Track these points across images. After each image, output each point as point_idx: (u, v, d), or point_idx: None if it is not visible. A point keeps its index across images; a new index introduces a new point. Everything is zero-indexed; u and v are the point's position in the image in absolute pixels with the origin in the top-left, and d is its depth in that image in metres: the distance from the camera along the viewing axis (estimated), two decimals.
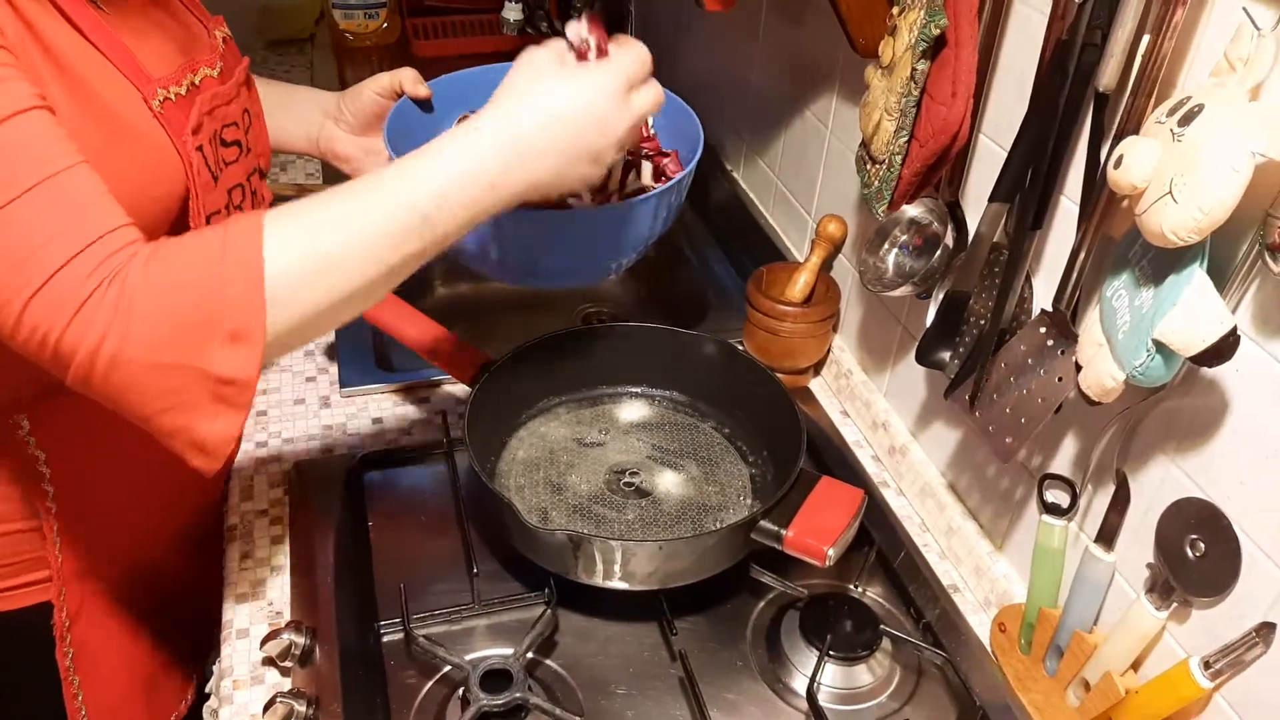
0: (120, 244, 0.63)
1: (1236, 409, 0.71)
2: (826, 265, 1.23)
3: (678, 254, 1.53)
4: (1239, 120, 0.63)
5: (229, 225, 0.65)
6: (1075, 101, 0.77)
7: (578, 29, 0.75)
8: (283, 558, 0.97)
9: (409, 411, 1.15)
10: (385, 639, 0.90)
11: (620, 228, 0.86)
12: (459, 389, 1.17)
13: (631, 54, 0.74)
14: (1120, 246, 0.75)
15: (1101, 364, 0.73)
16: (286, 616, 0.91)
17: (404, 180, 0.68)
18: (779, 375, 1.19)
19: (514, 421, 1.08)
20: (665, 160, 0.96)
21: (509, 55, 2.01)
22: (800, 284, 1.20)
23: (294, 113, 1.01)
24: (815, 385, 1.26)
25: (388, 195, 0.67)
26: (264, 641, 0.86)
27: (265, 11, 2.09)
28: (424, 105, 0.98)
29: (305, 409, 1.15)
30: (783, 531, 0.87)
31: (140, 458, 0.86)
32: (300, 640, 0.85)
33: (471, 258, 0.86)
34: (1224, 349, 0.65)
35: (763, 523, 0.88)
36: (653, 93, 0.75)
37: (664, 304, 1.51)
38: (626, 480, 1.03)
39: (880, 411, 1.15)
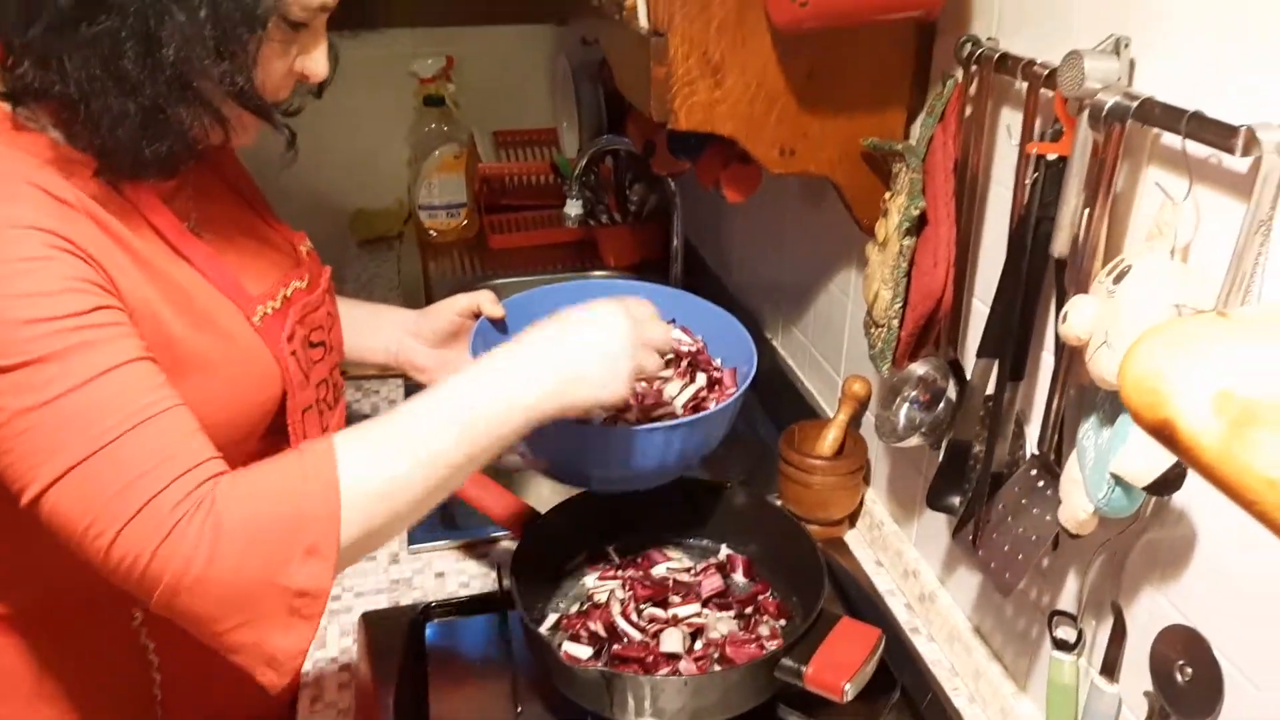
0: (208, 475, 0.71)
1: (1203, 537, 0.77)
2: (855, 421, 1.32)
3: None
4: (1159, 276, 0.72)
5: (304, 450, 0.75)
6: (1039, 266, 0.88)
7: None
8: (349, 700, 1.05)
9: (469, 566, 1.25)
10: None
11: (666, 445, 0.96)
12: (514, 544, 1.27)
13: (635, 299, 0.92)
14: (1089, 392, 0.83)
15: (1075, 499, 0.80)
16: None
17: (448, 402, 0.79)
18: (813, 527, 1.27)
19: (561, 569, 1.17)
20: (719, 375, 1.09)
21: (572, 245, 2.28)
22: (830, 439, 1.29)
23: (377, 331, 1.13)
24: (850, 537, 1.32)
25: (432, 420, 0.78)
26: None
27: (359, 215, 2.35)
28: (499, 324, 1.10)
29: (376, 565, 1.26)
30: (802, 668, 0.93)
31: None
32: None
33: (543, 469, 1.00)
34: (1172, 479, 0.72)
35: (784, 660, 0.94)
36: (661, 329, 0.91)
37: (707, 459, 1.60)
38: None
39: (910, 560, 1.20)
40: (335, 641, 1.13)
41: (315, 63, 0.83)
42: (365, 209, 2.36)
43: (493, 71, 2.35)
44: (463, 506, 1.23)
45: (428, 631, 1.16)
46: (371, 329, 1.13)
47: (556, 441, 0.95)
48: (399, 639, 1.13)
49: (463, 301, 1.10)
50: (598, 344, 0.84)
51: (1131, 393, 0.38)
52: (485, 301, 1.09)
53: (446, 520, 1.34)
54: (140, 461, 0.69)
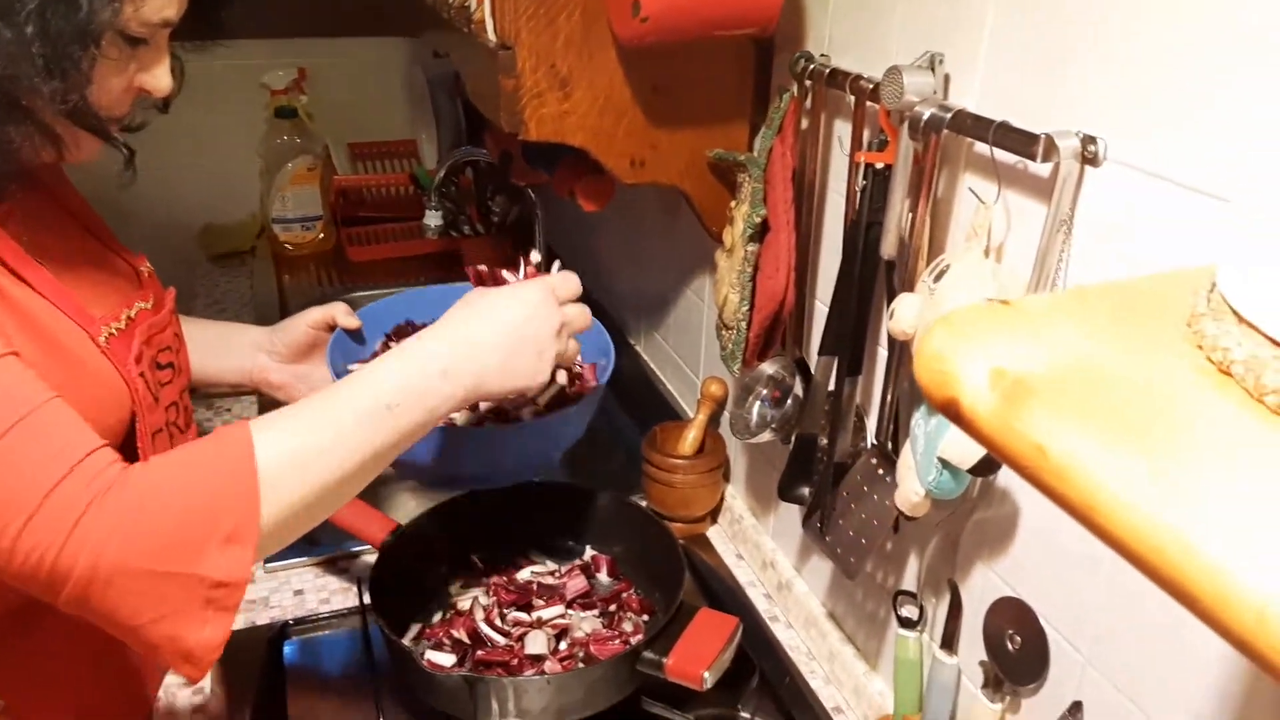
0: (105, 462, 0.68)
1: (1026, 515, 0.83)
2: (714, 421, 1.36)
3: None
4: (974, 274, 0.78)
5: (218, 435, 0.73)
6: (871, 268, 0.93)
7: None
8: None
9: (329, 581, 1.23)
10: None
11: (542, 438, 1.01)
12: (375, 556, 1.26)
13: (561, 275, 0.92)
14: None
15: (908, 483, 0.85)
16: None
17: (371, 379, 0.79)
18: (677, 525, 1.30)
19: (424, 580, 1.17)
20: (580, 369, 1.10)
21: (435, 257, 2.25)
22: (690, 439, 1.33)
23: (230, 351, 1.09)
24: (713, 533, 1.36)
25: (358, 393, 0.78)
26: None
27: (209, 229, 2.27)
28: (355, 335, 1.10)
29: None
30: (663, 660, 0.95)
31: (93, 695, 0.91)
32: None
33: (420, 472, 0.98)
34: (992, 462, 0.77)
35: (645, 653, 0.96)
36: (581, 309, 0.91)
37: (575, 464, 1.62)
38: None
39: (768, 551, 1.25)
40: None
41: (157, 79, 0.80)
42: (216, 223, 2.29)
43: (347, 84, 2.31)
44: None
45: (286, 650, 1.13)
46: (223, 349, 1.09)
47: (428, 444, 0.96)
48: (256, 660, 1.10)
49: (315, 314, 1.09)
50: (525, 334, 0.85)
51: (923, 374, 0.42)
52: (340, 313, 1.09)
53: (305, 536, 1.31)
54: (34, 454, 0.66)
